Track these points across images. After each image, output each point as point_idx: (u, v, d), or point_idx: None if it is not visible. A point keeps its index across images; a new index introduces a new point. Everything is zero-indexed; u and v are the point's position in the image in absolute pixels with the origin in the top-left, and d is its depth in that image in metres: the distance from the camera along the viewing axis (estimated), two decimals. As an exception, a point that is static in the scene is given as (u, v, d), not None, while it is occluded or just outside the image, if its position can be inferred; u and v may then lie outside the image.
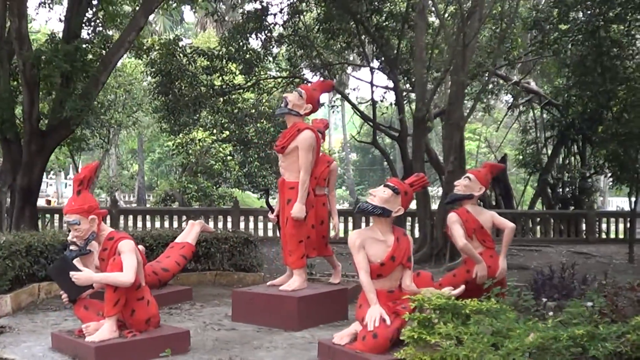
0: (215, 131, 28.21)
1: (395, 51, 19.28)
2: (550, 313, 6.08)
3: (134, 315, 6.54)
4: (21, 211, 15.60)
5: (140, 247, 9.22)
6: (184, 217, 21.25)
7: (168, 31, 45.97)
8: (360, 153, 64.22)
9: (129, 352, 6.31)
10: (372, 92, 20.72)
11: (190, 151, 28.86)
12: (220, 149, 29.01)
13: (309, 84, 12.22)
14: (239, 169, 30.40)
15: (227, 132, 27.78)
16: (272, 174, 30.57)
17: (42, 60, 13.97)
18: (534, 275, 9.22)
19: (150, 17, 41.23)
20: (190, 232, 10.11)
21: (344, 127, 56.34)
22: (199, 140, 28.25)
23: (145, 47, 18.39)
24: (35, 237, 9.49)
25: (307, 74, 22.92)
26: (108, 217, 20.88)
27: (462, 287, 6.89)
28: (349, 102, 21.83)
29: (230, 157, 29.69)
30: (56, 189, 54.46)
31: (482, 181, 8.38)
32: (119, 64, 26.92)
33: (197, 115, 22.58)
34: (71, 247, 6.71)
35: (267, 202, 9.63)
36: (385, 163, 30.05)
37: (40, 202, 40.28)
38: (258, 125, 27.18)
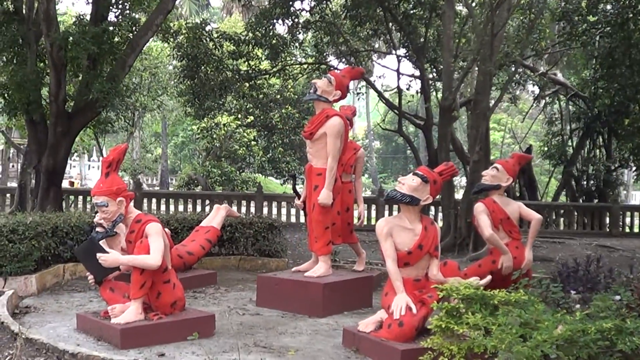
0: (240, 116, 28.28)
1: (422, 39, 19.15)
2: (577, 306, 6.02)
3: (160, 298, 6.55)
4: (46, 192, 15.70)
5: (166, 230, 9.30)
6: (207, 201, 21.28)
7: (194, 15, 45.98)
8: (383, 141, 64.02)
9: (154, 334, 6.33)
10: (398, 80, 20.63)
11: (214, 135, 28.88)
12: (245, 134, 29.02)
13: (337, 71, 12.16)
14: (263, 154, 30.42)
15: (252, 117, 27.86)
16: (295, 159, 30.61)
17: (70, 42, 13.97)
18: (559, 267, 9.14)
19: (177, 1, 41.50)
20: (215, 216, 10.14)
21: (367, 114, 56.14)
22: (224, 124, 28.25)
23: (172, 31, 18.32)
24: (61, 218, 9.54)
25: (333, 60, 22.84)
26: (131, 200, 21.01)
27: (489, 277, 6.87)
28: (375, 89, 21.69)
29: (254, 142, 29.70)
30: (79, 170, 54.72)
31: (509, 172, 8.34)
32: (145, 47, 27.10)
33: (223, 100, 22.60)
34: (97, 229, 6.74)
35: (294, 188, 9.60)
36: (409, 151, 29.95)
37: (64, 184, 40.71)
38: (283, 111, 27.22)
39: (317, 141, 8.09)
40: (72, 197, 21.47)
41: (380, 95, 21.43)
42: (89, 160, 54.71)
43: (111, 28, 15.41)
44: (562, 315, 4.77)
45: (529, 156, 9.86)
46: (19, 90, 14.75)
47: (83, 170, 54.88)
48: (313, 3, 19.68)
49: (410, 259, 6.26)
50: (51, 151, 15.51)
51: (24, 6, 15.59)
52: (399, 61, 20.55)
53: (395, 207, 20.71)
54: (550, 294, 5.70)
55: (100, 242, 6.69)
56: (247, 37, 19.81)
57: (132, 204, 6.91)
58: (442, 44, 17.08)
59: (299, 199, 8.79)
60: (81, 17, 15.79)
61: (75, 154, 46.86)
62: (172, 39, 18.66)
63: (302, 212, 11.07)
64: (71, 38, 13.89)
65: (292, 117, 26.88)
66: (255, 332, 6.92)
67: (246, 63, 20.52)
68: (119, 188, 6.60)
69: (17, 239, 8.45)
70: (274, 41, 19.84)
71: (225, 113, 27.43)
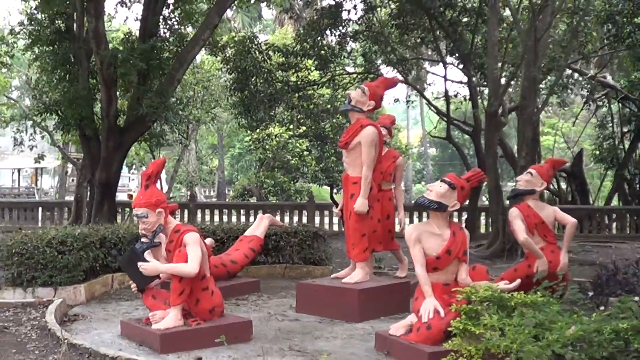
0: (292, 127, 28.59)
1: (469, 46, 19.17)
2: (602, 307, 6.07)
3: (199, 305, 6.80)
4: (100, 205, 16.21)
5: (210, 240, 9.60)
6: (260, 212, 21.56)
7: (247, 28, 46.63)
8: (439, 148, 63.70)
9: (192, 339, 6.57)
10: (446, 87, 20.70)
11: (267, 146, 29.24)
12: (297, 144, 29.32)
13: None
14: (316, 164, 30.66)
15: (304, 128, 28.15)
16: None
17: (119, 59, 14.42)
18: (598, 271, 9.14)
19: (229, 14, 42.17)
20: (259, 225, 10.38)
21: (422, 122, 55.98)
22: (275, 135, 28.59)
23: (220, 45, 18.72)
24: (109, 230, 9.90)
25: (383, 69, 22.97)
26: (186, 212, 21.46)
27: (518, 281, 6.95)
28: (423, 97, 21.83)
29: (307, 153, 29.98)
30: (137, 183, 55.74)
31: (543, 176, 8.38)
32: (197, 60, 27.64)
33: (274, 112, 22.92)
34: (142, 240, 7.03)
35: (332, 197, 9.78)
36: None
37: (122, 197, 41.60)
38: (334, 120, 27.45)
39: (352, 150, 8.27)
40: (127, 210, 21.93)
41: (428, 102, 21.53)
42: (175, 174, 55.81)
43: (160, 44, 15.78)
44: (578, 316, 4.85)
45: (564, 160, 9.87)
46: (71, 106, 15.28)
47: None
48: (360, 13, 19.88)
49: (439, 263, 6.39)
50: (104, 165, 16.01)
51: (74, 25, 16.12)
52: (445, 68, 20.59)
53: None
54: (571, 296, 5.74)
55: (146, 252, 6.99)
56: (295, 49, 20.10)
57: (174, 215, 7.17)
58: (487, 50, 17.11)
59: (336, 207, 8.97)
60: (129, 34, 16.25)
61: (133, 167, 47.87)
62: (220, 53, 19.01)
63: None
64: (120, 55, 14.32)
65: (343, 126, 26.99)
66: (292, 336, 7.11)
67: (295, 74, 20.76)
68: (158, 200, 6.87)
69: (66, 250, 8.82)
70: (322, 52, 20.11)
71: (277, 124, 27.78)
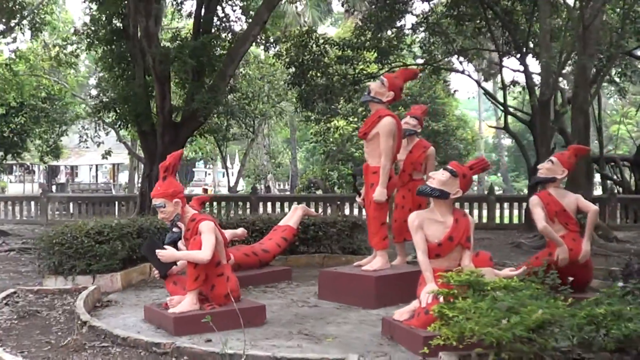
0: (356, 119, 28.71)
1: (525, 35, 18.99)
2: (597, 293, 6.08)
3: (214, 290, 7.10)
4: (156, 199, 16.68)
5: (242, 230, 9.91)
6: (321, 204, 21.84)
7: (317, 22, 46.98)
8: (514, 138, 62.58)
9: (204, 322, 6.85)
10: (502, 76, 20.53)
11: (331, 139, 29.45)
12: (359, 134, 29.42)
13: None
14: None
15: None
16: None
17: (170, 57, 14.85)
18: (628, 260, 9.06)
19: (299, 9, 42.53)
20: (292, 215, 10.64)
21: (496, 113, 55.32)
22: (337, 128, 28.77)
23: (272, 40, 19.03)
24: (148, 221, 10.32)
25: (444, 60, 22.93)
26: (248, 204, 21.91)
27: (523, 268, 7.05)
28: (480, 87, 21.72)
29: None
30: (213, 178, 56.92)
31: (564, 164, 8.37)
32: (262, 56, 28.08)
33: (335, 104, 23.09)
34: (174, 229, 7.36)
35: (354, 186, 9.95)
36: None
37: (197, 191, 42.49)
38: (396, 112, 27.52)
39: (372, 141, 8.43)
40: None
41: (486, 92, 21.41)
42: (224, 167, 56.86)
43: (211, 41, 16.16)
44: (555, 301, 4.91)
45: (586, 148, 9.75)
46: (127, 103, 15.80)
47: (216, 178, 56.99)
48: (417, 4, 19.92)
49: (441, 250, 6.52)
50: (160, 160, 16.41)
51: (130, 24, 16.68)
52: (501, 58, 20.43)
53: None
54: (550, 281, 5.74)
55: (180, 241, 7.35)
56: (352, 41, 20.25)
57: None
58: (539, 38, 16.95)
59: (359, 196, 9.13)
60: (178, 32, 16.70)
61: (209, 163, 48.94)
62: (273, 47, 19.31)
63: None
64: (169, 53, 14.75)
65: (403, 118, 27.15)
66: (305, 321, 7.33)
67: (352, 67, 20.90)
68: (175, 190, 7.21)
69: (103, 240, 9.27)
70: (381, 44, 20.21)
71: (340, 117, 27.93)
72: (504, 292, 4.96)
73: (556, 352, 4.66)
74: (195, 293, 7.05)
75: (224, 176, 57.37)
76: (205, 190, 42.94)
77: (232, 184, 35.50)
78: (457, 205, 9.51)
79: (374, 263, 8.41)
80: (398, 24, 20.49)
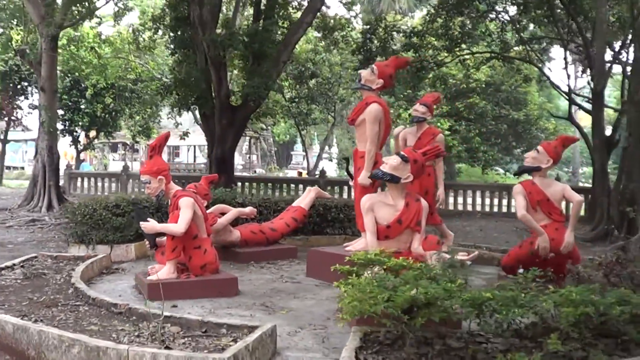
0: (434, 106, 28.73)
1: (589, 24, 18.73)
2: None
3: (191, 261, 7.72)
4: (217, 179, 17.43)
5: (250, 208, 10.46)
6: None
7: (412, 8, 47.09)
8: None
9: (177, 290, 7.47)
10: (566, 65, 20.32)
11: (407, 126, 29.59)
12: (439, 123, 29.49)
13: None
14: (459, 144, 30.66)
15: (446, 108, 28.36)
16: (495, 148, 30.55)
17: (221, 44, 15.49)
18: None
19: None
20: (305, 197, 11.14)
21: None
22: (398, 115, 28.94)
23: (330, 27, 19.46)
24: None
25: (516, 48, 22.81)
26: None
27: (476, 253, 7.34)
28: (544, 75, 21.50)
29: (448, 132, 30.07)
30: (307, 162, 57.64)
31: (550, 153, 8.51)
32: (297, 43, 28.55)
33: (409, 90, 23.31)
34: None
35: (347, 170, 10.31)
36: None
37: (292, 173, 43.39)
38: (468, 100, 27.49)
39: (360, 127, 8.79)
40: (247, 184, 23.08)
41: (551, 83, 21.18)
42: (321, 152, 57.65)
43: (267, 27, 16.71)
44: (445, 283, 5.20)
45: (575, 138, 9.73)
46: (186, 87, 16.58)
47: (310, 162, 57.69)
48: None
49: (390, 232, 6.90)
50: (219, 142, 17.27)
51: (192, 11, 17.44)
52: (565, 47, 20.19)
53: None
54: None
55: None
56: (419, 29, 20.45)
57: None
58: (595, 28, 16.74)
59: (352, 180, 9.50)
60: (227, 19, 17.32)
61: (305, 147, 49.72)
62: (329, 34, 19.72)
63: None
64: (220, 39, 15.40)
65: (474, 105, 27.10)
66: (275, 295, 7.80)
67: (417, 54, 21.06)
68: (159, 168, 7.82)
69: (120, 213, 10.03)
70: (453, 32, 20.34)
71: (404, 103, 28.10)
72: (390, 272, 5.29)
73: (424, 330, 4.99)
74: (173, 263, 7.66)
75: (321, 160, 58.36)
76: (300, 174, 43.67)
77: (311, 167, 36.14)
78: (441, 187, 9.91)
79: (358, 244, 8.77)
80: (468, 12, 20.48)
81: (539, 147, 8.62)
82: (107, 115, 30.75)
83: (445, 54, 22.18)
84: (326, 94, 30.22)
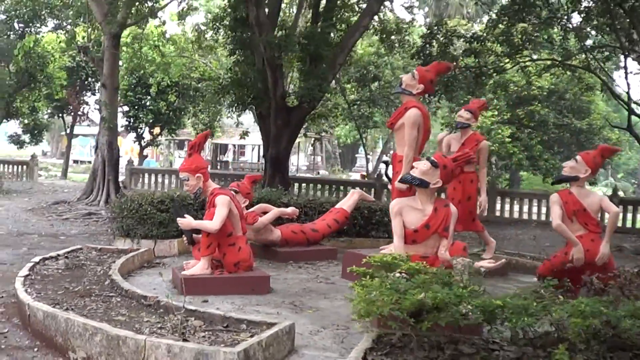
0: (496, 112, 28.52)
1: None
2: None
3: (225, 258, 7.90)
4: (272, 178, 17.67)
5: (292, 208, 10.59)
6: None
7: (479, 14, 46.73)
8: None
9: (210, 285, 7.66)
10: (626, 75, 19.92)
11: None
12: (499, 131, 29.18)
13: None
14: (521, 151, 30.27)
15: (507, 114, 28.08)
16: (552, 155, 30.10)
17: (277, 45, 15.67)
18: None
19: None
20: (348, 199, 11.24)
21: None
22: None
23: (387, 30, 19.49)
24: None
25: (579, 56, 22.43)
26: (372, 190, 22.58)
27: (503, 261, 7.32)
28: (605, 84, 21.07)
29: (509, 140, 29.74)
30: (372, 164, 57.79)
31: (588, 163, 8.35)
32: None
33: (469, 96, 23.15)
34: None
35: (386, 174, 10.36)
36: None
37: (356, 176, 43.52)
38: (529, 108, 27.16)
39: (398, 131, 8.85)
40: (303, 185, 23.25)
41: (611, 92, 20.77)
42: (384, 155, 57.64)
43: (324, 30, 16.84)
44: (450, 288, 5.24)
45: (616, 148, 9.53)
46: (243, 86, 16.83)
47: (370, 165, 57.75)
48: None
49: (417, 237, 6.94)
50: (274, 142, 17.47)
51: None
52: (625, 55, 19.77)
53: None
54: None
55: None
56: (478, 34, 20.31)
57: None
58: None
59: (390, 183, 9.55)
60: (283, 22, 17.48)
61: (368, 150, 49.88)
62: (386, 37, 19.75)
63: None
64: (276, 41, 15.58)
65: (536, 113, 26.78)
66: (306, 295, 7.91)
67: (476, 60, 20.90)
68: (197, 166, 8.02)
69: (164, 209, 10.27)
70: (516, 38, 20.14)
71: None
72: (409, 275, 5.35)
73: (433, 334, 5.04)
74: (207, 259, 7.85)
75: (386, 165, 58.21)
76: (363, 176, 43.71)
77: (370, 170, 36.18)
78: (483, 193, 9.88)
79: (392, 247, 8.83)
80: (530, 18, 20.23)
81: (578, 157, 8.50)
82: (171, 113, 31.32)
83: (507, 60, 21.95)
84: (388, 98, 30.16)
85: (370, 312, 4.88)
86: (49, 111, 33.41)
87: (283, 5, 19.98)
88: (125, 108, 30.75)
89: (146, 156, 38.47)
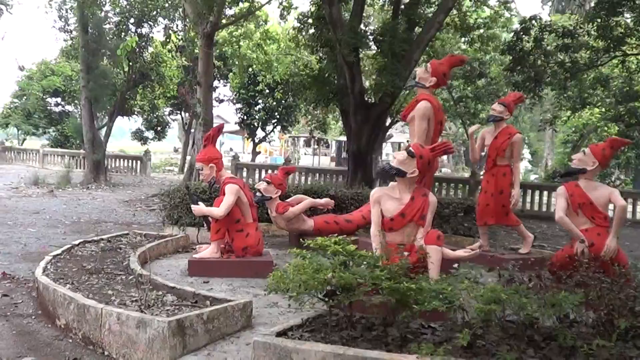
0: (604, 109, 27.72)
1: None
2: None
3: (234, 243, 8.51)
4: (354, 174, 18.12)
5: (326, 199, 10.99)
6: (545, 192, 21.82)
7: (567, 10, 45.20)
8: None
9: (215, 268, 8.27)
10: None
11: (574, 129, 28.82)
12: (606, 127, 28.34)
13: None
14: (631, 149, 29.21)
15: (613, 111, 27.22)
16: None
17: (350, 43, 16.05)
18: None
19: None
20: (389, 192, 11.50)
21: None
22: (554, 117, 28.01)
23: (465, 26, 19.45)
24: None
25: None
26: (467, 187, 22.57)
27: (477, 250, 7.48)
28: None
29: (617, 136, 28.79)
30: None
31: (596, 156, 8.28)
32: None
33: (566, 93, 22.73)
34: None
35: None
36: None
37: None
38: (633, 104, 26.25)
39: (411, 123, 9.10)
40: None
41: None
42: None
43: (399, 27, 17.08)
44: (372, 270, 5.56)
45: (625, 141, 9.24)
46: (322, 83, 17.34)
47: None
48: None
49: (393, 225, 7.22)
50: (355, 137, 17.89)
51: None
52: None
53: None
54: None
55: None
56: (571, 29, 19.92)
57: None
58: None
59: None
60: (352, 20, 17.80)
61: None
62: (468, 34, 19.70)
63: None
64: (346, 38, 15.97)
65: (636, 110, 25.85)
66: (303, 279, 8.37)
67: (568, 55, 20.45)
68: (210, 157, 8.64)
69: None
70: (615, 32, 19.63)
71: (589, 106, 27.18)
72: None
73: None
74: (216, 243, 8.48)
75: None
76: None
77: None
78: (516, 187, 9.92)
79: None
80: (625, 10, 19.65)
81: (586, 149, 8.44)
82: (282, 110, 32.23)
83: (604, 55, 21.36)
84: (495, 94, 29.85)
85: (278, 289, 5.29)
86: (169, 108, 35.07)
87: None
88: (239, 105, 31.88)
89: (259, 152, 39.61)
